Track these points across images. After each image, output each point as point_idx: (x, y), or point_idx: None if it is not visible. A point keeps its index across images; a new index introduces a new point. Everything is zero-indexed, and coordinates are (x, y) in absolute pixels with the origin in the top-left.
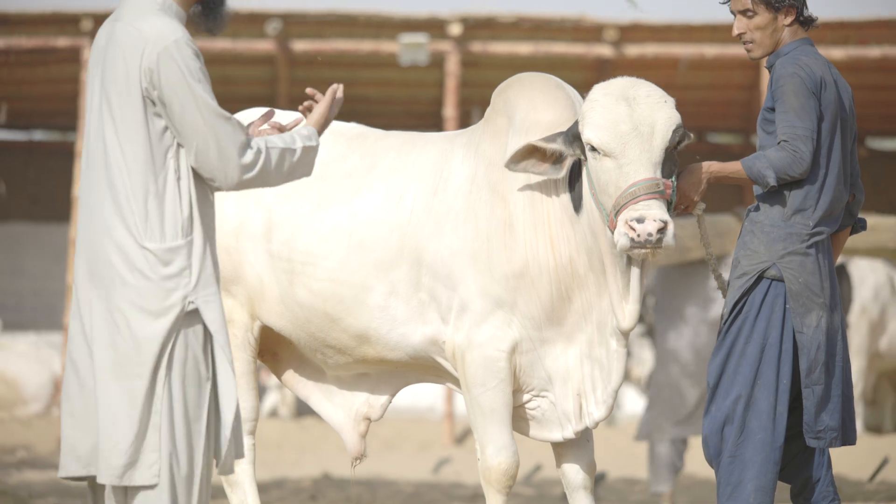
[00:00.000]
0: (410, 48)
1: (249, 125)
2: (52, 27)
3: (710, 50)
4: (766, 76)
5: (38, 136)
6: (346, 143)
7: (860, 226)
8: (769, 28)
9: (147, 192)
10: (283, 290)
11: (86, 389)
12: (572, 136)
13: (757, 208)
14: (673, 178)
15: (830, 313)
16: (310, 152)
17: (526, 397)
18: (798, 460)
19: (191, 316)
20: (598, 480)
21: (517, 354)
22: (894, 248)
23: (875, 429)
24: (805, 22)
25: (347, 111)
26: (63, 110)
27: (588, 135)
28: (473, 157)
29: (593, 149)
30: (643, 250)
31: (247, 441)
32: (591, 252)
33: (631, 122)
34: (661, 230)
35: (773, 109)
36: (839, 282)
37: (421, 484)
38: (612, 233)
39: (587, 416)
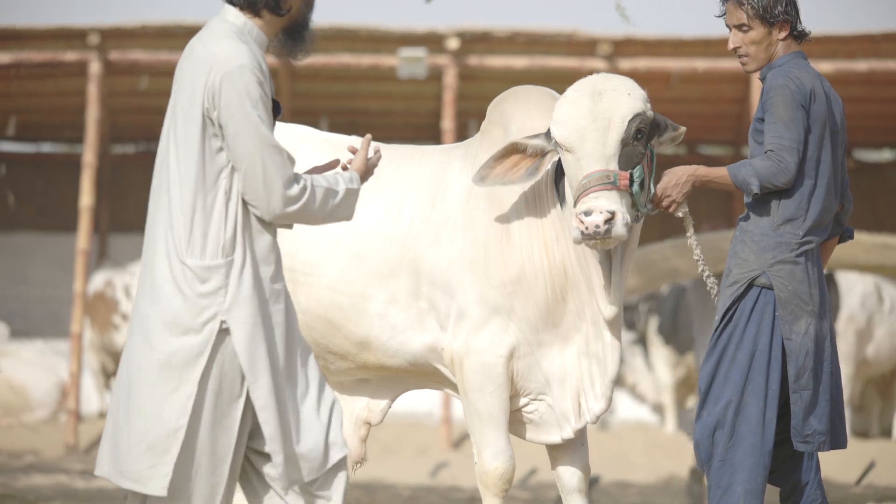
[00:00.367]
0: (409, 62)
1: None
2: (60, 42)
3: (702, 64)
4: (756, 89)
5: (46, 148)
6: (346, 154)
7: (848, 235)
8: (764, 42)
9: (195, 209)
10: None
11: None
12: (548, 134)
13: (747, 218)
14: (636, 170)
15: (819, 320)
16: (351, 195)
17: (524, 401)
18: (787, 464)
19: (223, 335)
20: (592, 484)
21: (514, 360)
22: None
23: (862, 434)
24: (798, 36)
25: (348, 123)
26: (70, 123)
27: (552, 131)
28: (471, 168)
29: (558, 144)
30: (593, 241)
31: None
32: (577, 248)
33: (591, 116)
34: (609, 220)
35: (763, 120)
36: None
37: (419, 488)
38: None
39: (587, 413)
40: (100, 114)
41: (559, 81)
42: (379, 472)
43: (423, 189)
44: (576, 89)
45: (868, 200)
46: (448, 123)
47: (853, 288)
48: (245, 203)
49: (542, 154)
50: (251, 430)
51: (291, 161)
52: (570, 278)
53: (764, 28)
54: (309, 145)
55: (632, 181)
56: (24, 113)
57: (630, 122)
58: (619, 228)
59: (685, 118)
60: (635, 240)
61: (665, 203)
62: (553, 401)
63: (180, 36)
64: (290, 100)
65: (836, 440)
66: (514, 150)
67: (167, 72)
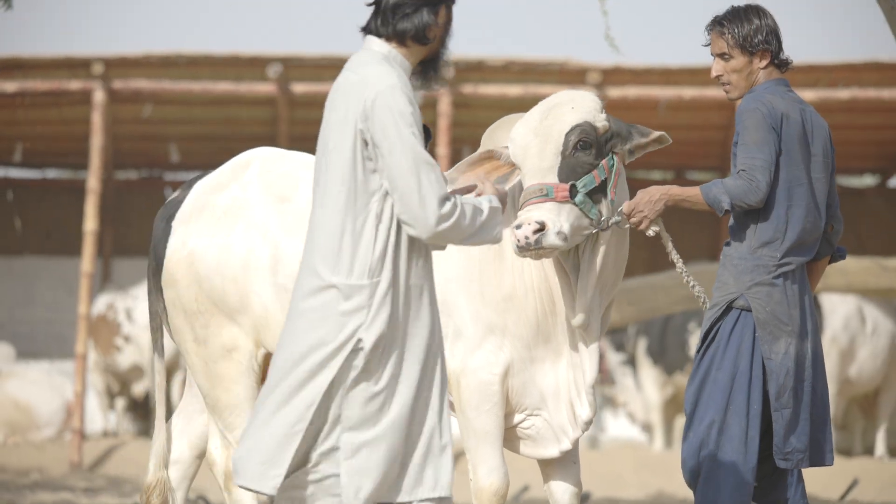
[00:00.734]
0: None
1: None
2: (65, 71)
3: (688, 92)
4: None
5: (52, 174)
6: None
7: (839, 255)
8: (745, 70)
9: (344, 230)
10: None
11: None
12: None
13: (728, 243)
14: (581, 181)
15: (800, 340)
16: (495, 214)
17: (520, 417)
18: (770, 480)
19: (358, 352)
20: (583, 500)
21: (510, 377)
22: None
23: (846, 452)
24: (780, 64)
25: None
26: (75, 150)
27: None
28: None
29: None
30: (529, 253)
31: None
32: (557, 261)
33: (533, 133)
34: (538, 231)
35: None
36: None
37: None
38: None
39: (579, 419)
40: (103, 141)
41: None
42: None
43: None
44: (534, 108)
45: (850, 225)
46: (442, 150)
47: (836, 310)
48: (397, 227)
49: (513, 165)
50: None
51: (444, 178)
52: (555, 292)
53: (744, 57)
54: (311, 171)
55: (575, 192)
56: (29, 140)
57: (567, 134)
58: (551, 238)
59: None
60: (614, 248)
61: (636, 219)
62: (549, 415)
63: (182, 65)
64: (289, 126)
65: (819, 457)
66: (488, 157)
67: (169, 100)
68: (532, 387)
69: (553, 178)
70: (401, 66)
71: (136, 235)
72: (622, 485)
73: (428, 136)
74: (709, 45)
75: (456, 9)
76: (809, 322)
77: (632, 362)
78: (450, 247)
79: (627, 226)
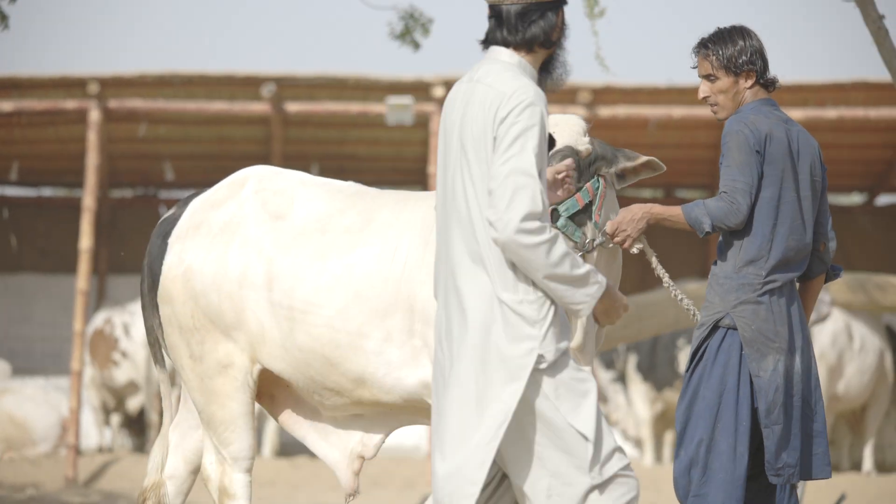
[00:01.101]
0: (397, 109)
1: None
2: (61, 90)
3: (677, 111)
4: None
5: (47, 192)
6: (345, 199)
7: (834, 273)
8: (731, 91)
9: None
10: (284, 336)
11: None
12: None
13: (715, 262)
14: (563, 204)
15: (790, 356)
16: (593, 288)
17: None
18: (761, 496)
19: (536, 366)
20: None
21: None
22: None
23: (833, 466)
24: (766, 84)
25: (337, 168)
26: (70, 168)
27: None
28: None
29: None
30: None
31: (244, 478)
32: None
33: None
34: None
35: None
36: None
37: None
38: None
39: None
40: (99, 159)
41: None
42: None
43: (417, 231)
44: None
45: (838, 243)
46: (434, 168)
47: (824, 326)
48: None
49: None
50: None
51: (546, 207)
52: None
53: (730, 78)
54: (309, 189)
55: (557, 216)
56: (25, 159)
57: (549, 159)
58: None
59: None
60: (604, 268)
61: (619, 238)
62: None
63: (177, 84)
64: (283, 145)
65: (815, 471)
66: None
67: (164, 119)
68: None
69: None
70: (530, 75)
71: (132, 253)
72: None
73: (552, 144)
74: (696, 67)
75: (446, 31)
76: (799, 337)
77: (622, 380)
78: None
79: (611, 245)
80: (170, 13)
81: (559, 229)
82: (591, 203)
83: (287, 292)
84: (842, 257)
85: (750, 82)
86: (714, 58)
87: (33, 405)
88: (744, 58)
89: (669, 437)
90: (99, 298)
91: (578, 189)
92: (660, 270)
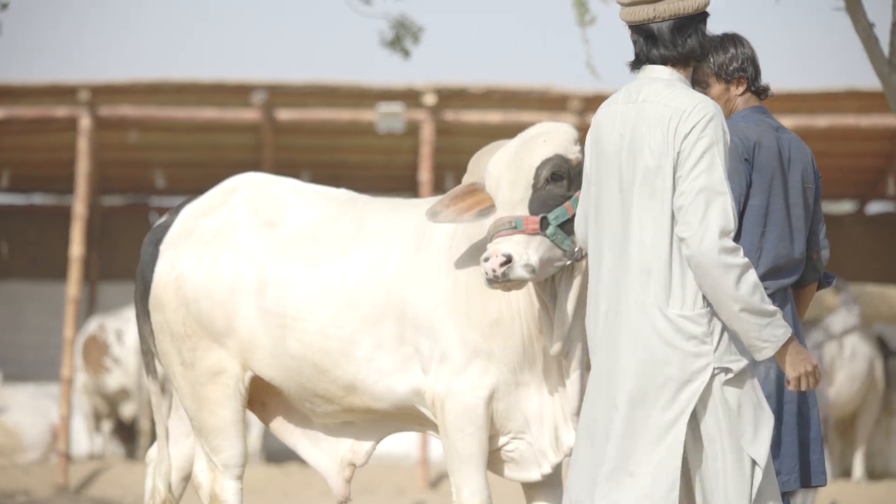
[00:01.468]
0: (387, 117)
1: None
2: (52, 98)
3: None
4: None
5: (38, 199)
6: (338, 206)
7: (826, 282)
8: (722, 98)
9: (671, 260)
10: (275, 343)
11: (596, 443)
12: None
13: None
14: (553, 213)
15: None
16: (779, 335)
17: (504, 440)
18: None
19: (712, 384)
20: None
21: (495, 400)
22: None
23: None
24: (758, 92)
25: (328, 175)
26: (61, 176)
27: None
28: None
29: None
30: (497, 285)
31: (235, 485)
32: (541, 289)
33: (506, 165)
34: (505, 264)
35: None
36: None
37: None
38: None
39: (563, 445)
40: (90, 167)
41: None
42: None
43: (409, 238)
44: (513, 140)
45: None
46: (425, 175)
47: (811, 335)
48: None
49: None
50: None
51: (735, 223)
52: (541, 317)
53: (721, 85)
54: (301, 196)
55: (546, 224)
56: (16, 166)
57: (539, 168)
58: (518, 271)
59: None
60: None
61: None
62: (532, 438)
63: (167, 92)
64: (274, 153)
65: (812, 478)
66: (471, 190)
67: (155, 126)
68: (516, 410)
69: (523, 211)
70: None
71: (122, 260)
72: None
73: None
74: None
75: (437, 39)
76: None
77: None
78: (438, 271)
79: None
80: (161, 20)
81: (548, 238)
82: None
83: (278, 299)
84: (832, 266)
85: (741, 89)
86: (705, 65)
87: (24, 412)
88: (735, 65)
89: None
90: (90, 306)
91: (568, 198)
92: None
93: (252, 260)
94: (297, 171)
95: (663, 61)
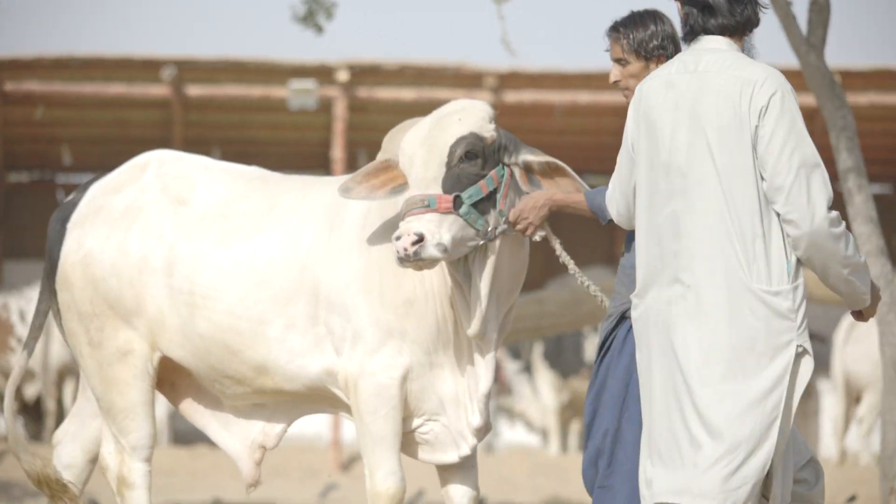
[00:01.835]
0: (300, 93)
1: None
2: None
3: (584, 97)
4: None
5: None
6: (247, 183)
7: None
8: (641, 76)
9: (754, 234)
10: (184, 323)
11: (674, 417)
12: None
13: (623, 253)
14: (467, 191)
15: None
16: (867, 271)
17: (418, 422)
18: None
19: (798, 360)
20: None
21: (409, 381)
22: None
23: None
24: None
25: (239, 152)
26: None
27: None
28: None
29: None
30: (409, 264)
31: (143, 468)
32: (456, 269)
33: (419, 143)
34: (417, 243)
35: None
36: None
37: None
38: None
39: (469, 426)
40: None
41: None
42: (268, 494)
43: (322, 216)
44: (428, 117)
45: None
46: (338, 153)
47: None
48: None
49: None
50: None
51: (830, 185)
52: (453, 298)
53: (640, 62)
54: (211, 174)
55: (459, 203)
56: None
57: (452, 146)
58: (430, 250)
59: (568, 149)
60: (508, 255)
61: (521, 226)
62: (448, 420)
63: (74, 67)
64: (183, 129)
65: None
66: (385, 167)
67: (62, 102)
68: (431, 392)
69: (437, 189)
70: None
71: (29, 238)
72: (516, 489)
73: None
74: (608, 50)
75: (351, 14)
76: None
77: (528, 370)
78: (351, 250)
79: (513, 233)
80: None
81: (461, 217)
82: (495, 191)
83: (187, 278)
84: None
85: None
86: (625, 41)
87: None
88: (655, 42)
89: (575, 427)
90: None
91: (482, 176)
92: (565, 258)
93: (161, 238)
94: (208, 148)
95: (721, 31)
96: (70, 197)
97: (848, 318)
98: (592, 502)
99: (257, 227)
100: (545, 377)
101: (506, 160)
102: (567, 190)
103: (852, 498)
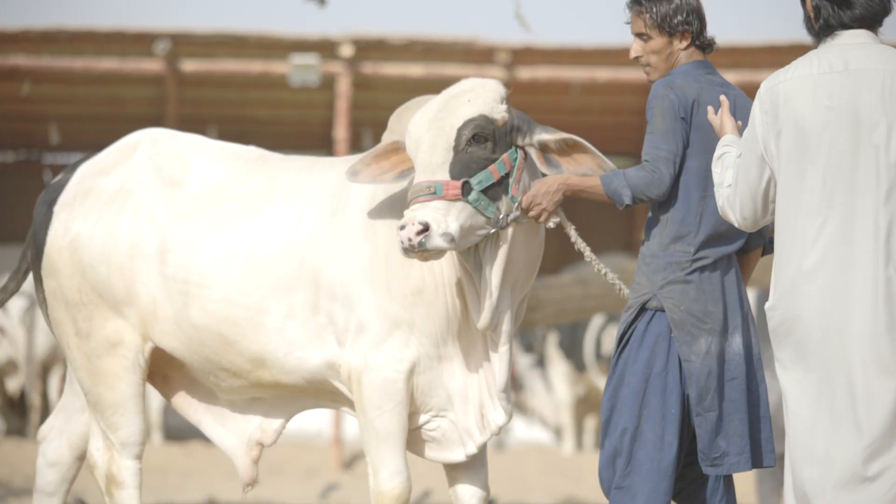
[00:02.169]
0: (301, 69)
1: None
2: None
3: (603, 74)
4: None
5: None
6: (245, 165)
7: (772, 247)
8: (664, 52)
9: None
10: (177, 312)
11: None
12: None
13: (643, 241)
14: (476, 177)
15: (723, 337)
16: None
17: (425, 418)
18: (693, 486)
19: None
20: None
21: (416, 375)
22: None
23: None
24: (703, 46)
25: (237, 132)
26: None
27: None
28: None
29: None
30: (413, 254)
31: (133, 465)
32: (466, 259)
33: (426, 126)
34: (422, 233)
35: None
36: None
37: None
38: None
39: (490, 424)
40: None
41: None
42: (268, 493)
43: (325, 199)
44: (437, 97)
45: None
46: (341, 133)
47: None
48: None
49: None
50: None
51: None
52: (466, 287)
53: (663, 38)
54: (206, 154)
55: (468, 190)
56: None
57: (460, 129)
58: (435, 240)
59: (586, 129)
60: (523, 243)
61: (534, 212)
62: (456, 417)
63: (63, 41)
64: (178, 107)
65: (759, 459)
66: (394, 149)
67: (50, 77)
68: (439, 386)
69: (444, 175)
70: None
71: (13, 221)
72: (529, 489)
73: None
74: (630, 23)
75: None
76: (737, 316)
77: (541, 364)
78: (356, 236)
79: (525, 220)
80: None
81: (471, 204)
82: (507, 175)
83: (181, 264)
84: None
85: (685, 43)
86: (648, 15)
87: None
88: (679, 17)
89: (590, 424)
90: None
91: (493, 161)
92: (580, 244)
93: (153, 222)
94: (204, 126)
95: (859, 24)
96: (57, 178)
97: None
98: (610, 503)
99: (256, 210)
100: (559, 369)
101: (519, 142)
102: (589, 167)
103: None
